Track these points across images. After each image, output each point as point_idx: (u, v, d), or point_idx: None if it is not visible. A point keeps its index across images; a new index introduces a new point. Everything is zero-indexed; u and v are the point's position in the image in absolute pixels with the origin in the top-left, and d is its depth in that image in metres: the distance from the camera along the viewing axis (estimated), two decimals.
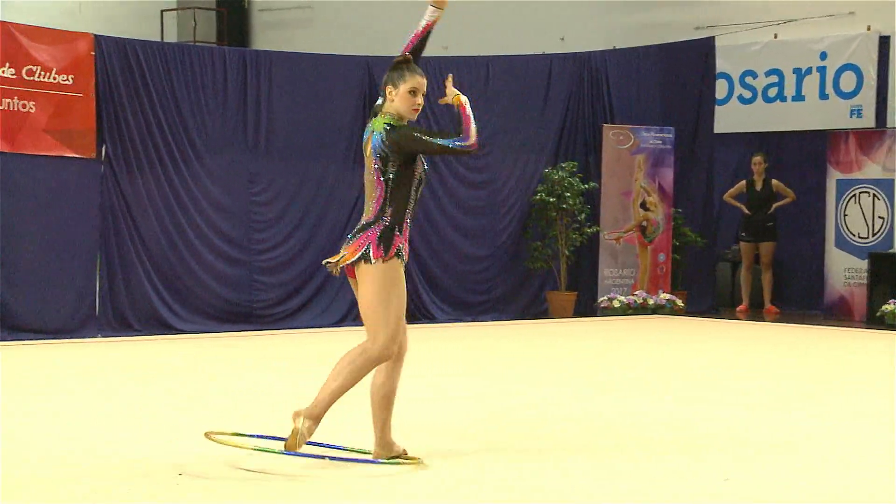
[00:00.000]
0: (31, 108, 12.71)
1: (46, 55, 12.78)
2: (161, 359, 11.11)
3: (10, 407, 7.87)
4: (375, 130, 5.96)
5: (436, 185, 15.53)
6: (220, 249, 14.03)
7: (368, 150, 5.97)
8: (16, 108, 12.64)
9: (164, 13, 22.44)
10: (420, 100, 6.02)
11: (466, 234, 15.86)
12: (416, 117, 6.11)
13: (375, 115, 6.06)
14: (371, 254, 5.88)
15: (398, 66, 6.04)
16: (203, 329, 13.59)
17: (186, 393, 8.86)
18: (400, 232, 5.96)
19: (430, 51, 17.94)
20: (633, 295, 16.39)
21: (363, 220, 5.99)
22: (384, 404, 5.95)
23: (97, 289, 13.14)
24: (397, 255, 5.93)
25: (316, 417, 5.78)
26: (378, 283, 5.87)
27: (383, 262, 5.90)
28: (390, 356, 5.91)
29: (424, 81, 6.04)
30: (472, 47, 17.58)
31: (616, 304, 16.19)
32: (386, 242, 5.90)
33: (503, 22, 19.65)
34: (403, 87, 5.96)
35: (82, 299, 13.02)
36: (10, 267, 12.53)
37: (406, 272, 16.58)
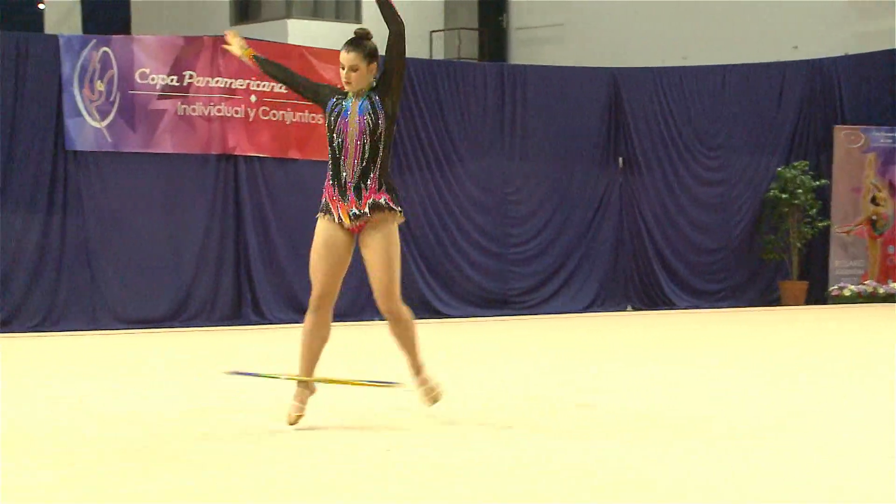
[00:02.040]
0: (319, 119, 13.33)
1: (332, 73, 13.37)
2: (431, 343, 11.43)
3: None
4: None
5: (673, 184, 15.52)
6: (478, 242, 14.43)
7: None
8: (307, 121, 13.30)
9: (433, 34, 23.06)
10: (345, 75, 5.61)
11: (702, 229, 15.77)
12: (350, 89, 5.68)
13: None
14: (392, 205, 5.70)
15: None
16: (465, 314, 13.99)
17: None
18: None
19: (669, 61, 17.89)
20: (864, 284, 15.95)
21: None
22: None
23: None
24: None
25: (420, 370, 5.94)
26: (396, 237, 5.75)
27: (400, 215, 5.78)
28: None
29: (348, 56, 5.59)
30: (709, 57, 17.44)
31: (847, 292, 15.80)
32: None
33: (739, 33, 19.38)
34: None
35: (361, 286, 13.55)
36: (301, 259, 13.13)
37: (646, 263, 16.58)
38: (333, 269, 5.80)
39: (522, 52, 22.43)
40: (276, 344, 10.78)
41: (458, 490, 4.24)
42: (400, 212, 5.77)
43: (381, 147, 5.67)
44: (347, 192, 5.70)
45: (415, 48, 21.62)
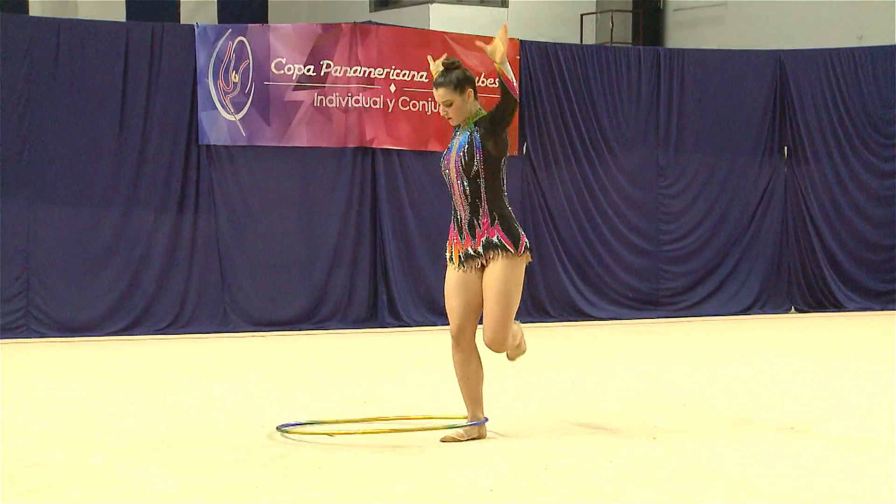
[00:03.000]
0: None
1: (476, 60, 13.44)
2: (572, 344, 11.48)
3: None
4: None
5: (843, 175, 15.14)
6: (629, 240, 14.32)
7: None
8: None
9: (584, 17, 22.95)
10: (442, 111, 5.90)
11: (875, 224, 15.33)
12: (452, 123, 5.95)
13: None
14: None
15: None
16: (612, 316, 13.91)
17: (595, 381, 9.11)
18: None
19: (842, 41, 17.49)
20: None
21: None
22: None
23: None
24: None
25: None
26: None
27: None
28: None
29: (438, 93, 5.88)
30: (888, 37, 16.96)
31: None
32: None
33: None
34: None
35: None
36: (440, 258, 13.27)
37: (813, 260, 16.19)
38: (465, 306, 5.98)
39: (680, 35, 22.18)
40: (413, 347, 10.92)
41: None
42: (521, 253, 5.86)
43: (481, 185, 5.79)
44: (463, 230, 5.91)
45: (565, 32, 21.63)
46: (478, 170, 5.77)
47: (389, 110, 13.07)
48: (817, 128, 15.06)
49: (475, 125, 5.83)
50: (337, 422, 6.26)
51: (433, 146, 13.24)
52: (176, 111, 12.37)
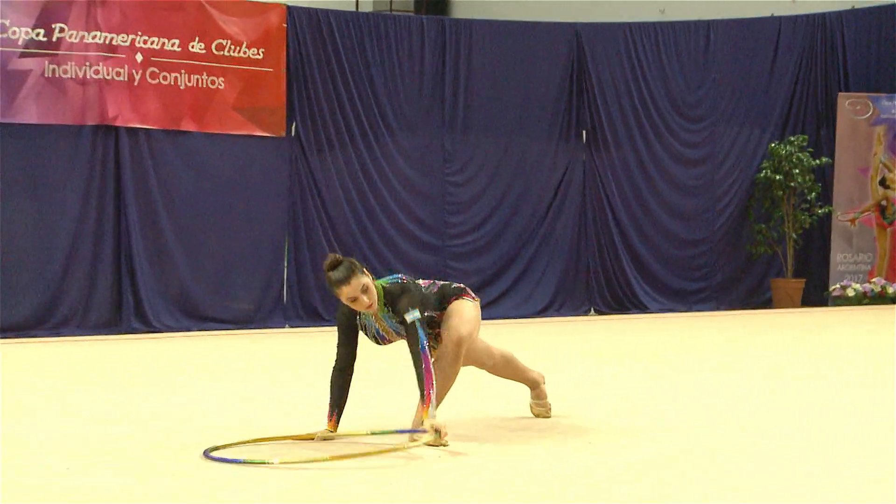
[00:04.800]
0: (220, 84, 13.09)
1: (237, 28, 13.13)
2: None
3: (182, 393, 8.12)
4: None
5: (647, 163, 15.43)
6: (412, 233, 14.23)
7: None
8: (204, 86, 13.04)
9: None
10: (359, 304, 6.06)
11: (680, 216, 15.69)
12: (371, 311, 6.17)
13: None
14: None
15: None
16: None
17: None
18: None
19: (646, 16, 17.78)
20: (870, 283, 15.94)
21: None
22: None
23: (285, 275, 13.49)
24: None
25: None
26: None
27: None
28: None
29: (353, 284, 6.00)
30: (691, 11, 17.33)
31: (850, 292, 15.78)
32: None
33: None
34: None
35: (269, 286, 13.38)
36: (196, 253, 12.96)
37: (614, 257, 16.45)
38: None
39: (467, 5, 22.24)
40: (164, 358, 10.55)
41: None
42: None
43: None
44: None
45: None
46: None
47: (135, 83, 12.66)
48: (617, 110, 15.29)
49: (386, 307, 6.19)
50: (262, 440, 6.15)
51: (186, 125, 12.89)
52: None
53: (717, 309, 15.59)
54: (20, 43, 12.15)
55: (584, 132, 15.21)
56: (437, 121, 14.44)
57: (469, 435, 6.39)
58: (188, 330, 12.66)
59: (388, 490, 5.14)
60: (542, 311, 14.65)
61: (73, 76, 12.35)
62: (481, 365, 6.82)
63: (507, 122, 14.76)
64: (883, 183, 16.37)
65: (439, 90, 14.44)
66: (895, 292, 15.90)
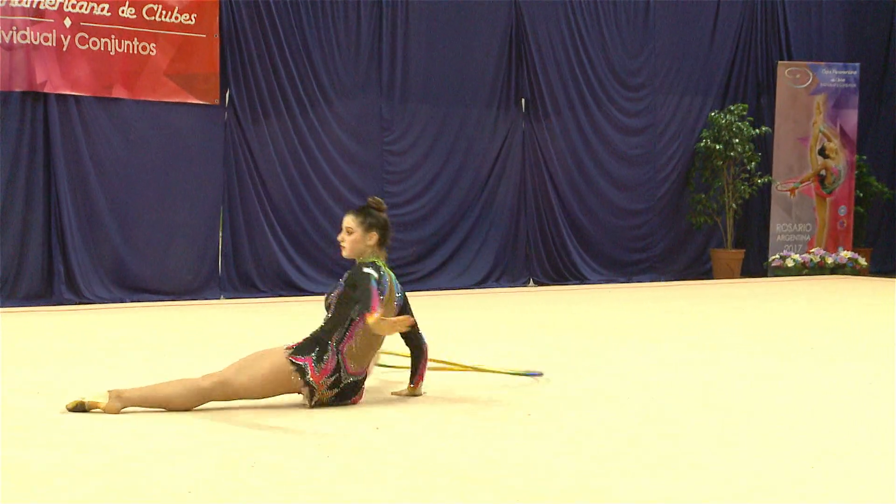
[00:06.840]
0: (151, 50, 12.94)
1: None
2: (287, 321, 11.26)
3: (120, 369, 8.05)
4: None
5: (588, 132, 15.47)
6: (350, 203, 14.17)
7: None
8: (136, 52, 12.88)
9: None
10: (341, 236, 6.82)
11: (621, 186, 15.76)
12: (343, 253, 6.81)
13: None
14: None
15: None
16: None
17: None
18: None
19: None
20: (810, 253, 16.11)
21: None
22: None
23: (220, 246, 13.40)
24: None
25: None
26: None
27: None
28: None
29: (348, 218, 6.83)
30: None
31: (790, 263, 15.93)
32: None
33: None
34: None
35: (204, 257, 13.29)
36: (130, 223, 12.84)
37: (554, 227, 16.41)
38: None
39: None
40: (97, 329, 10.45)
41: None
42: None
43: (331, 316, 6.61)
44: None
45: None
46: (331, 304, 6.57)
47: (64, 49, 12.48)
48: (557, 78, 15.31)
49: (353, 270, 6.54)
50: None
51: (118, 92, 12.74)
52: None
53: (658, 280, 15.69)
54: None
55: (523, 100, 15.22)
56: (375, 88, 14.38)
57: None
58: (121, 301, 12.55)
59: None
60: (481, 283, 14.67)
61: (0, 41, 12.17)
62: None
63: (445, 91, 14.73)
64: (822, 152, 16.52)
65: (376, 57, 14.38)
66: (834, 262, 16.06)
